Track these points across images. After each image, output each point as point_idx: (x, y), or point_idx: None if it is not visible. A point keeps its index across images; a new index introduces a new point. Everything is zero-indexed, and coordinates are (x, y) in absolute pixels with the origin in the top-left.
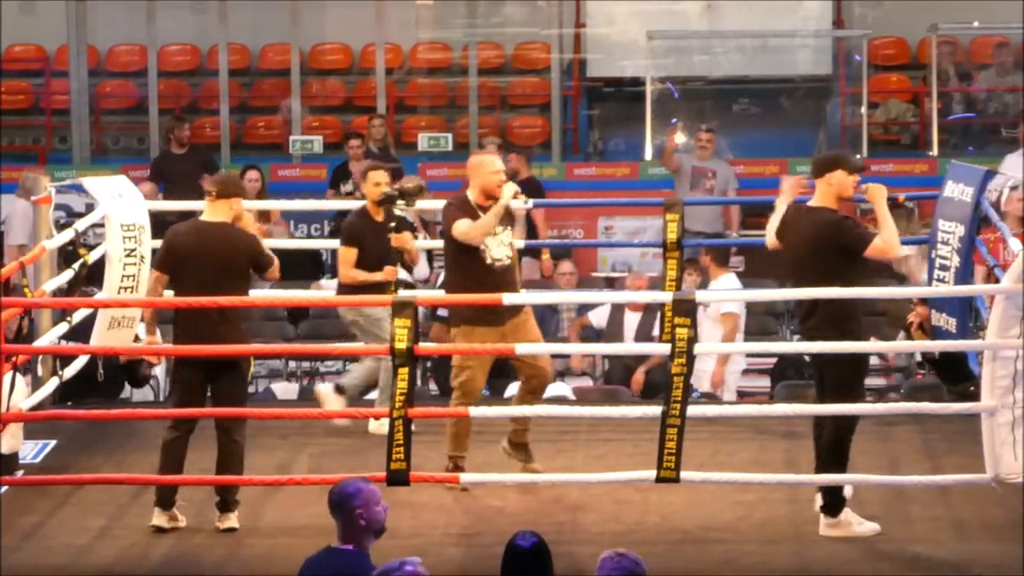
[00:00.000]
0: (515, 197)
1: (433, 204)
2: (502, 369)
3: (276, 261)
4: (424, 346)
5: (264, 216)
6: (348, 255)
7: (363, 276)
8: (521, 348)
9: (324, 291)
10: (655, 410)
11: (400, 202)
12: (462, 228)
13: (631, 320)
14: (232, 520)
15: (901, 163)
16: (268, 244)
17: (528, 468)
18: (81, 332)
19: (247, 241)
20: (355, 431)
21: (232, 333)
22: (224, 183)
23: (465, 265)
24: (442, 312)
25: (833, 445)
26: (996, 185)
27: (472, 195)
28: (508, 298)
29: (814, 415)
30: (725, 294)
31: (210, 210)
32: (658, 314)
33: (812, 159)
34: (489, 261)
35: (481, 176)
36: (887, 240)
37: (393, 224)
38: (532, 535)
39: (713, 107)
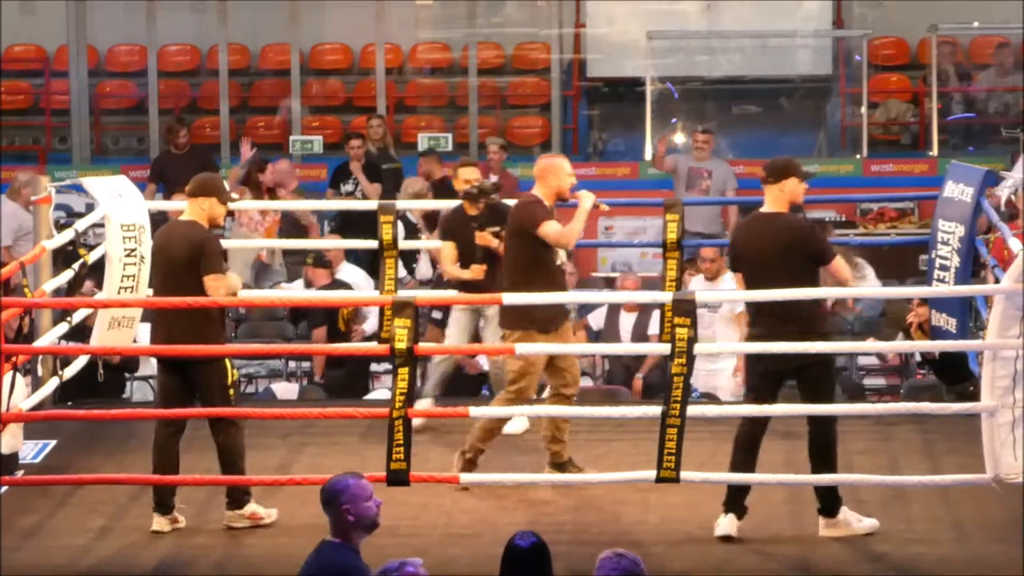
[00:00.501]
0: (595, 207)
1: (436, 204)
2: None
3: (226, 279)
4: (424, 346)
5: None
6: (446, 250)
7: (457, 272)
8: (521, 348)
9: (286, 293)
10: (655, 410)
11: (486, 198)
12: (553, 230)
13: (626, 321)
14: (238, 520)
15: (901, 163)
16: (271, 245)
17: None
18: (81, 332)
19: (200, 241)
20: (355, 431)
21: (204, 331)
22: (198, 182)
23: (541, 266)
24: (436, 315)
25: (820, 447)
26: (1008, 185)
27: (543, 195)
28: (508, 298)
29: (821, 415)
30: (726, 294)
31: (186, 209)
32: (653, 314)
33: (766, 164)
34: (559, 263)
35: (559, 178)
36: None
37: (476, 223)
38: (531, 535)
39: (713, 107)
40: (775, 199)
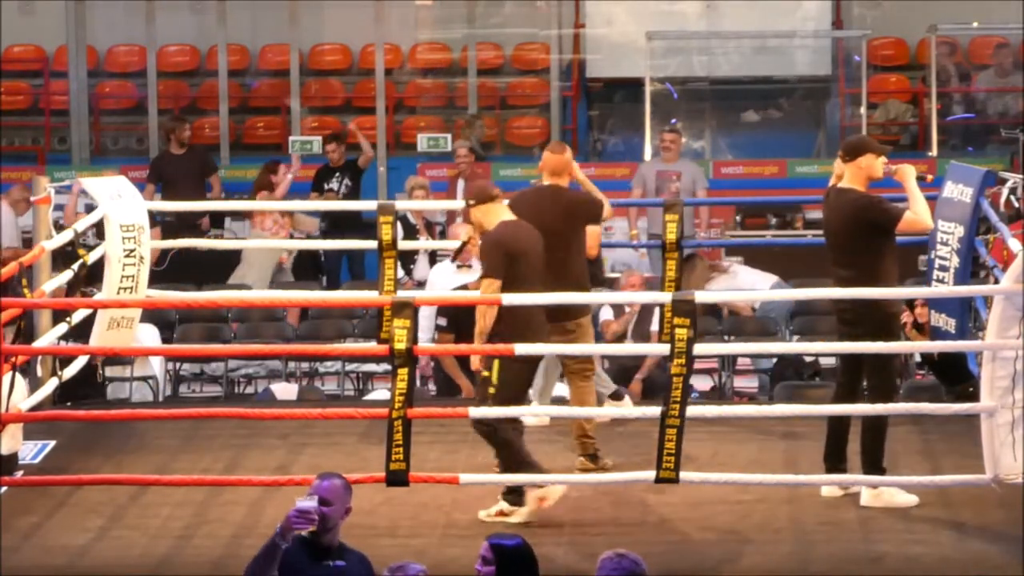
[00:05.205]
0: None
1: (434, 205)
2: None
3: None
4: (423, 346)
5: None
6: None
7: None
8: (520, 348)
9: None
10: (655, 410)
11: None
12: None
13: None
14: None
15: (900, 163)
16: (272, 243)
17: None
18: (81, 332)
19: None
20: (354, 431)
21: None
22: (852, 144)
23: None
24: (441, 322)
25: (876, 440)
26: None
27: None
28: (507, 298)
29: (821, 415)
30: (726, 294)
31: (843, 175)
32: (653, 313)
33: (843, 144)
34: None
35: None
36: (918, 212)
37: None
38: (516, 536)
39: (712, 107)
40: (853, 176)
